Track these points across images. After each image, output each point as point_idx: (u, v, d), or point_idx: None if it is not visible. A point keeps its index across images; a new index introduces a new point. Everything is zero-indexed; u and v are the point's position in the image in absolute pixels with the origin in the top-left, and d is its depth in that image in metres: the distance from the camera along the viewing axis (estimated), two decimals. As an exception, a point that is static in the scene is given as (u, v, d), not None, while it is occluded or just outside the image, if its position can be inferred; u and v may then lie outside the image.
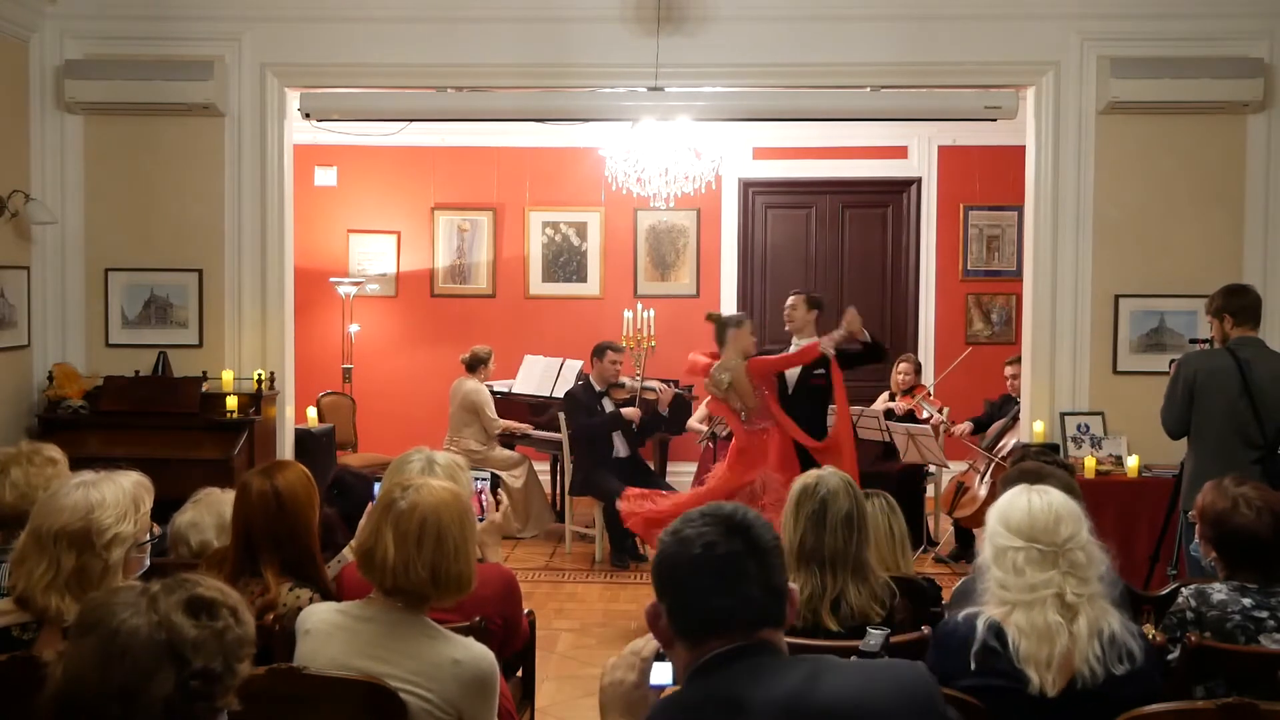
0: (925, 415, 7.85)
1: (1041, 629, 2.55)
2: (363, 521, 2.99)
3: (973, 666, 2.59)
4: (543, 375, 8.67)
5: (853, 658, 2.29)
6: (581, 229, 9.77)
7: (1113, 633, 2.56)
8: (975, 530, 7.18)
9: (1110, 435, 6.38)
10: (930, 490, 7.89)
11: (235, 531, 3.15)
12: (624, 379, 7.92)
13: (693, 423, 8.26)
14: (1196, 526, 3.30)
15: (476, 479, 3.63)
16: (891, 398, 8.18)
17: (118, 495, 2.76)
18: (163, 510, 3.70)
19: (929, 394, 8.15)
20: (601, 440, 7.68)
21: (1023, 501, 2.67)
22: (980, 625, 2.61)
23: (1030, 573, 2.59)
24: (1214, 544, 3.19)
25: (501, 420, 8.26)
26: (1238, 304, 5.07)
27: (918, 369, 8.34)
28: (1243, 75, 6.22)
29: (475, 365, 8.31)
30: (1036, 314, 6.56)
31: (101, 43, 6.58)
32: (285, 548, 3.09)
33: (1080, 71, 6.40)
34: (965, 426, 7.97)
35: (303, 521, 3.13)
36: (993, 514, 2.71)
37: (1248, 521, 3.11)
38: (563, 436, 7.80)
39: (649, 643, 2.01)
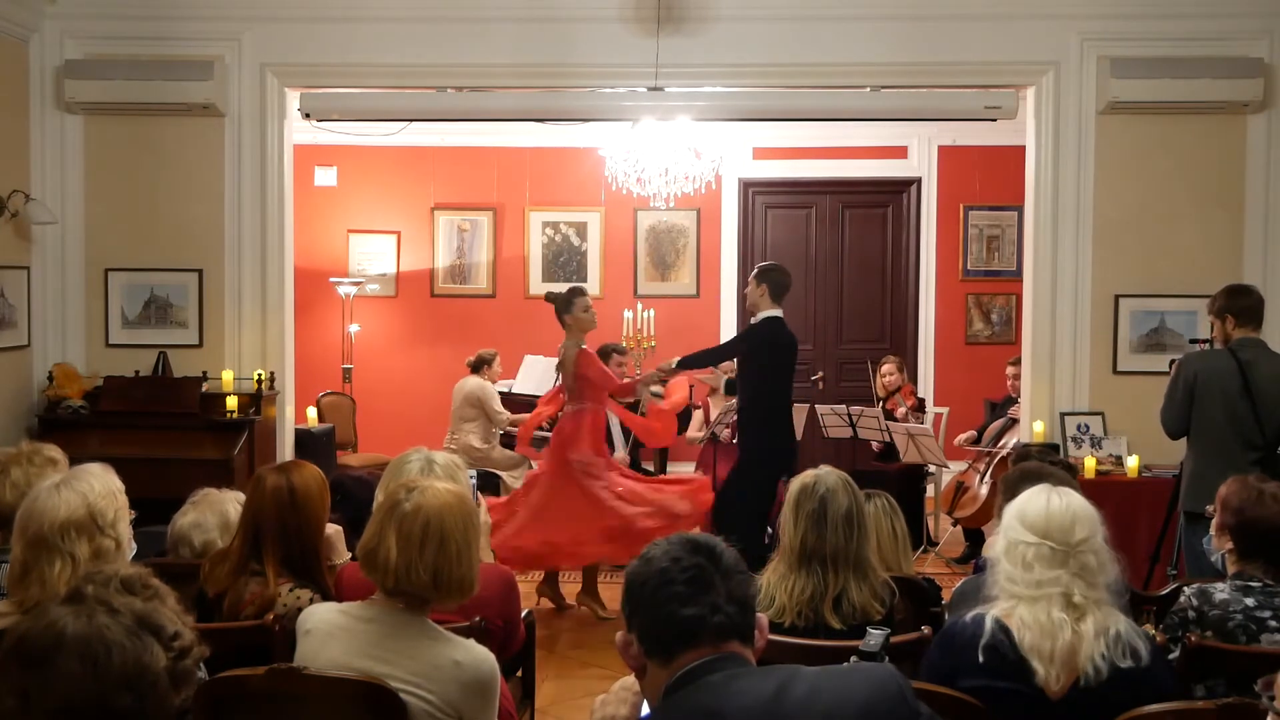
0: (900, 413, 7.85)
1: (1044, 624, 2.56)
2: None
3: (980, 660, 2.59)
4: (543, 375, 8.67)
5: (853, 658, 2.29)
6: (581, 229, 9.78)
7: (1119, 631, 2.58)
8: (984, 528, 7.17)
9: (1110, 435, 6.38)
10: (930, 490, 7.89)
11: (244, 524, 3.16)
12: (627, 382, 7.91)
13: (691, 433, 8.22)
14: (1215, 516, 3.31)
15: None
16: (882, 401, 8.16)
17: (105, 483, 2.81)
18: (163, 510, 3.71)
19: (912, 391, 8.15)
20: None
21: (1042, 500, 2.68)
22: (988, 623, 2.63)
23: (1039, 569, 2.60)
24: (1233, 532, 3.20)
25: (509, 414, 8.25)
26: (1240, 305, 5.07)
27: (902, 368, 8.30)
28: (1243, 75, 6.22)
29: (479, 366, 8.33)
30: (1036, 314, 6.56)
31: (101, 43, 6.58)
32: (292, 543, 3.10)
33: (1080, 71, 6.40)
34: (968, 435, 7.95)
35: (313, 519, 3.15)
36: (1011, 508, 2.72)
37: (1271, 513, 3.14)
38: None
39: None
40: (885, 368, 8.22)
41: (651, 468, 8.36)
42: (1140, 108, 6.33)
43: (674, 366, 6.45)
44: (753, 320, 6.35)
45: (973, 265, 9.77)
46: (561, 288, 6.64)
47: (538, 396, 8.57)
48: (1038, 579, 2.60)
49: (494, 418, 8.19)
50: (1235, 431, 4.95)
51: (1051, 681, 2.54)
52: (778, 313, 6.18)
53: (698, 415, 8.20)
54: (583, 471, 6.09)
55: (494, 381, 8.43)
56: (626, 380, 6.51)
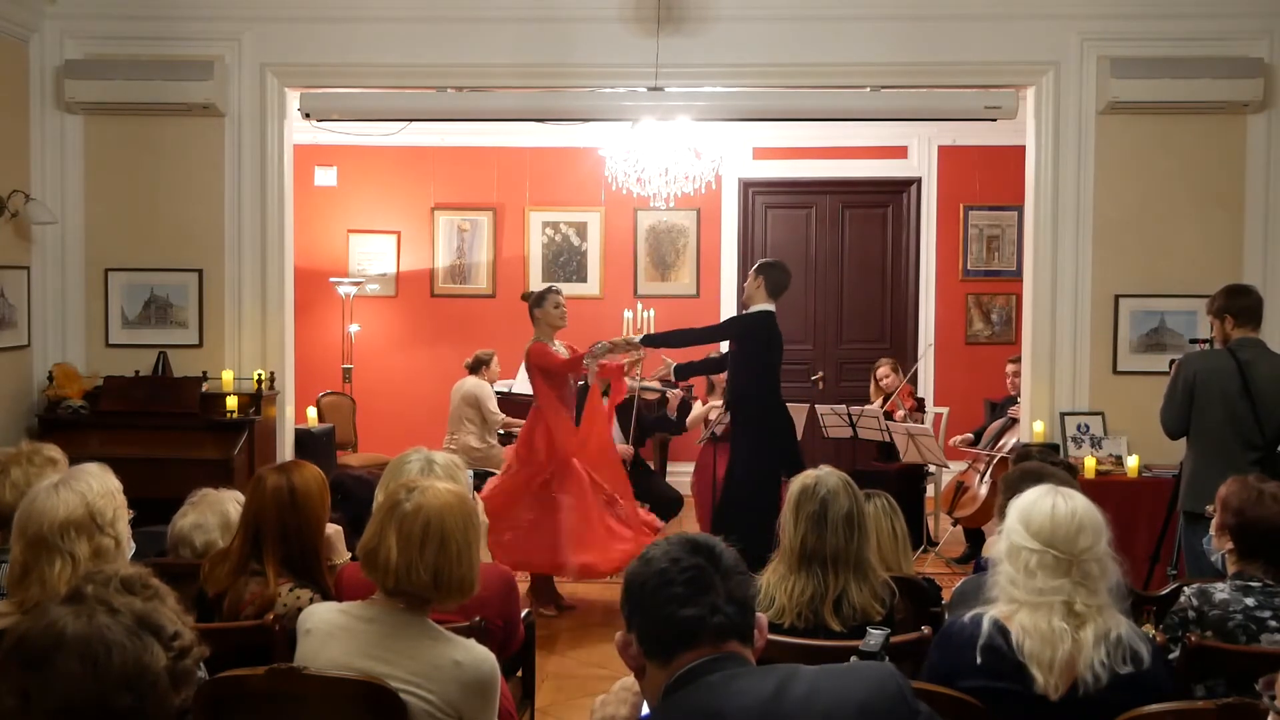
0: (899, 413, 7.85)
1: (1045, 632, 2.55)
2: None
3: (979, 661, 2.59)
4: (543, 375, 8.66)
5: (853, 658, 2.29)
6: (581, 229, 9.78)
7: (1119, 635, 2.57)
8: (985, 528, 7.17)
9: (1110, 435, 6.38)
10: (930, 490, 7.89)
11: (244, 524, 3.16)
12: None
13: (694, 417, 8.20)
14: (1215, 516, 3.31)
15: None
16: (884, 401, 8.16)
17: (104, 482, 2.82)
18: (163, 510, 3.71)
19: (911, 392, 8.15)
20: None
21: (1047, 505, 2.64)
22: (986, 623, 2.62)
23: (1041, 577, 2.58)
24: (1233, 532, 3.20)
25: (504, 416, 8.26)
26: (1239, 305, 5.07)
27: (897, 369, 8.30)
28: (1243, 75, 6.22)
29: (477, 367, 8.35)
30: (1036, 314, 6.56)
31: (101, 43, 6.57)
32: (291, 543, 3.10)
33: (1080, 71, 6.40)
34: (964, 437, 7.95)
35: (313, 519, 3.15)
36: (1014, 510, 2.69)
37: (1271, 513, 3.14)
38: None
39: None
40: (881, 370, 8.21)
41: (652, 464, 8.36)
42: (1140, 108, 6.33)
43: (637, 342, 6.45)
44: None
45: (973, 265, 9.77)
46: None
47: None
48: (1040, 586, 2.58)
49: (489, 419, 8.19)
50: (1235, 431, 4.95)
51: (1050, 690, 2.53)
52: (771, 308, 6.19)
53: (697, 405, 8.19)
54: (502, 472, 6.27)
55: (492, 382, 8.43)
56: (573, 356, 6.42)
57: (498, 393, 8.54)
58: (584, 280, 9.71)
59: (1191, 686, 2.92)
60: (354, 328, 9.50)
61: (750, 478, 6.08)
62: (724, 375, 8.29)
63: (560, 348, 6.37)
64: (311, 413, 8.40)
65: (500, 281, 9.79)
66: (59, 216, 6.51)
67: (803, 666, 1.89)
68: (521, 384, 8.78)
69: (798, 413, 7.76)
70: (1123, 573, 2.69)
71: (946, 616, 3.19)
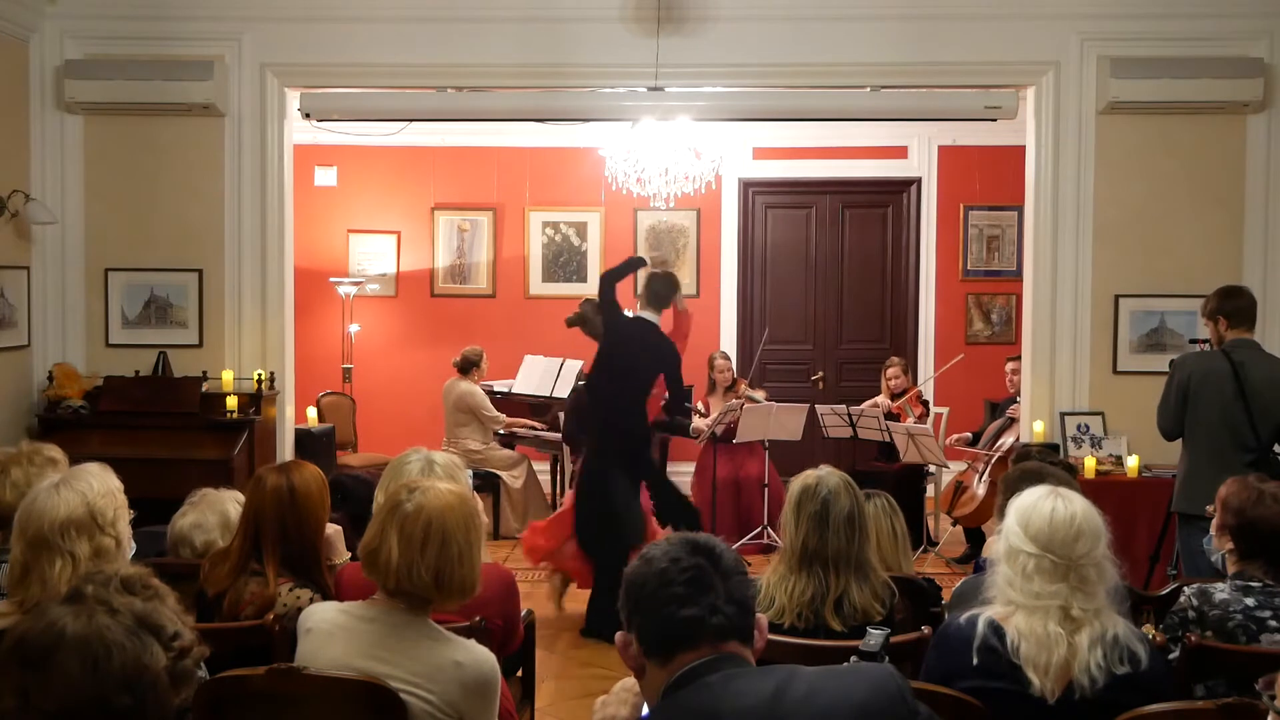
0: (908, 420, 7.85)
1: (1041, 636, 2.55)
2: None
3: (975, 661, 2.59)
4: (543, 375, 8.66)
5: (853, 658, 2.29)
6: (581, 229, 9.77)
7: (1116, 635, 2.56)
8: (984, 527, 7.17)
9: (1110, 435, 6.38)
10: (930, 490, 7.88)
11: (244, 524, 3.17)
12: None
13: (697, 423, 8.19)
14: (1215, 516, 3.31)
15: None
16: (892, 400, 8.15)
17: (104, 482, 2.82)
18: (163, 510, 3.71)
19: (919, 396, 8.14)
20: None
21: (1046, 508, 2.62)
22: (981, 624, 2.62)
23: (1039, 581, 2.58)
24: (1233, 532, 3.20)
25: (504, 416, 8.23)
26: (1232, 306, 5.06)
27: (906, 370, 8.30)
28: (1243, 75, 6.22)
29: (467, 368, 8.27)
30: (1036, 314, 6.56)
31: (101, 43, 6.58)
32: (291, 542, 3.10)
33: (1080, 71, 6.40)
34: (962, 436, 7.96)
35: (312, 519, 3.15)
36: (1014, 511, 2.68)
37: (1271, 513, 3.14)
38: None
39: None
40: (890, 370, 8.21)
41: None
42: (1140, 108, 6.33)
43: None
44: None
45: (973, 265, 9.77)
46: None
47: (538, 397, 8.58)
48: (1037, 590, 2.57)
49: (489, 424, 8.15)
50: (1229, 433, 4.93)
51: (1047, 694, 2.53)
52: (651, 317, 6.24)
53: (696, 418, 8.17)
54: None
55: (482, 380, 8.38)
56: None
57: (498, 393, 8.53)
58: (584, 280, 9.69)
59: (1191, 686, 2.92)
60: (354, 328, 9.50)
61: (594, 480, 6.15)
62: (724, 375, 8.35)
63: None
64: (311, 413, 8.40)
65: (500, 281, 9.79)
66: (59, 216, 6.51)
67: (802, 667, 1.89)
68: (521, 384, 8.78)
69: (797, 413, 7.76)
70: (1121, 575, 2.69)
71: (946, 616, 3.19)
